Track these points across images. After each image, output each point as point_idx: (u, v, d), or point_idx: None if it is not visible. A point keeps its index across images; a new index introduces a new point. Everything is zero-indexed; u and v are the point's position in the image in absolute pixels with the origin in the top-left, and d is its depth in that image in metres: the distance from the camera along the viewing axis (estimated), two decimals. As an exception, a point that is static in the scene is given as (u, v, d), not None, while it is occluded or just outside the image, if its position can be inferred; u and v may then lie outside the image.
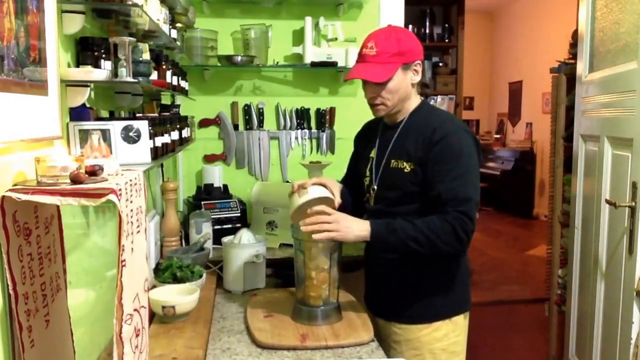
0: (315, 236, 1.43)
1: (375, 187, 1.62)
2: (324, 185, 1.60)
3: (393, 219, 1.47)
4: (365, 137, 1.75)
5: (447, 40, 5.46)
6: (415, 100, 1.60)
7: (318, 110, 2.83)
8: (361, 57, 1.54)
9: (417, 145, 1.52)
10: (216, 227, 2.28)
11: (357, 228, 1.46)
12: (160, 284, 1.67)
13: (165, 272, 1.72)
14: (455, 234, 1.42)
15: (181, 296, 1.56)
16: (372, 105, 1.58)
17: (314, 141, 2.85)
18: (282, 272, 2.02)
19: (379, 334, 1.65)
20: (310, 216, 1.47)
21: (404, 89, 1.54)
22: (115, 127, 1.28)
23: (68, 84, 1.21)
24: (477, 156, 1.51)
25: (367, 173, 1.66)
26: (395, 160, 1.56)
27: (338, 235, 1.44)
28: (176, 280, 1.68)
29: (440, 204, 1.45)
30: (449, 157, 1.47)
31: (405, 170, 1.53)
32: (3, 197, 0.84)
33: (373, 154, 1.65)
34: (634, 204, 1.77)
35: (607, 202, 1.96)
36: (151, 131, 1.34)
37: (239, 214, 2.41)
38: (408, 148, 1.54)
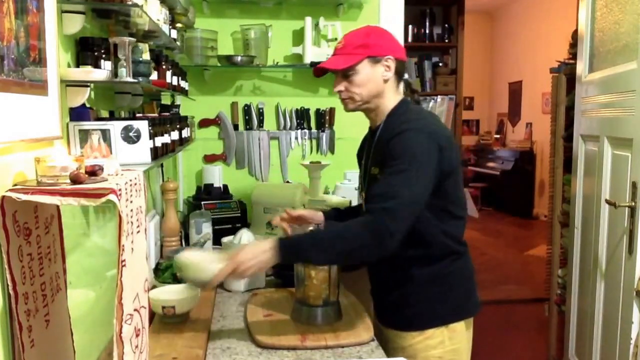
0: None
1: (364, 194, 1.60)
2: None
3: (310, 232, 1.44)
4: (362, 150, 1.72)
5: (447, 41, 5.46)
6: (392, 100, 1.53)
7: (318, 111, 2.83)
8: (333, 52, 1.53)
9: (381, 149, 1.47)
10: (216, 227, 2.28)
11: (259, 254, 1.35)
12: (160, 284, 1.67)
13: (165, 272, 1.72)
14: (373, 235, 1.33)
15: (181, 296, 1.56)
16: (342, 100, 1.54)
17: (314, 141, 2.85)
18: (282, 272, 2.02)
19: (383, 339, 1.62)
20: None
21: (374, 84, 1.49)
22: (115, 127, 1.28)
23: (68, 84, 1.21)
24: (432, 157, 1.40)
25: (360, 182, 1.66)
26: (373, 167, 1.53)
27: (243, 272, 1.36)
28: (176, 280, 1.68)
29: (369, 199, 1.41)
30: (394, 155, 1.40)
31: (377, 176, 1.48)
32: (3, 197, 0.84)
33: (364, 162, 1.64)
34: (633, 204, 1.77)
35: (607, 202, 1.96)
36: (151, 131, 1.34)
37: (239, 214, 2.41)
38: (378, 152, 1.50)
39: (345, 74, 1.48)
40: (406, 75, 1.61)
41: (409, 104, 1.56)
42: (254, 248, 1.37)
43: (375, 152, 1.53)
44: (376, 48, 1.48)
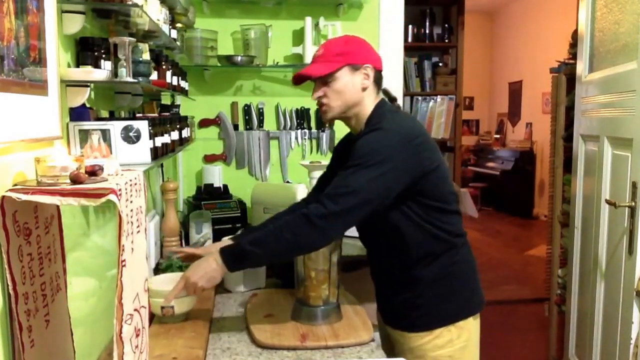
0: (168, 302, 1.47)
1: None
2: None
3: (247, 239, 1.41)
4: (342, 149, 1.71)
5: (447, 41, 5.45)
6: (371, 108, 1.52)
7: (318, 111, 2.83)
8: (312, 60, 1.53)
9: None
10: (216, 227, 2.28)
11: (205, 268, 1.39)
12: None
13: (166, 271, 1.72)
14: (306, 218, 1.33)
15: (180, 296, 1.55)
16: (319, 107, 1.53)
17: (314, 141, 2.85)
18: (282, 272, 2.02)
19: (389, 341, 1.63)
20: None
21: (351, 92, 1.48)
22: (115, 127, 1.28)
23: (68, 84, 1.21)
24: (401, 156, 1.38)
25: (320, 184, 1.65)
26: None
27: (199, 289, 1.40)
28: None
29: (324, 189, 1.39)
30: (357, 154, 1.38)
31: None
32: (3, 197, 0.84)
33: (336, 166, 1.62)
34: (633, 204, 1.77)
35: (607, 202, 1.96)
36: (151, 131, 1.34)
37: (239, 214, 2.41)
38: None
39: (325, 81, 1.47)
40: (384, 85, 1.58)
41: (385, 107, 1.53)
42: (203, 264, 1.40)
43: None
44: (355, 56, 1.48)
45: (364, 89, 1.49)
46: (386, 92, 1.60)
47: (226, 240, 1.64)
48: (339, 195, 1.33)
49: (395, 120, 1.46)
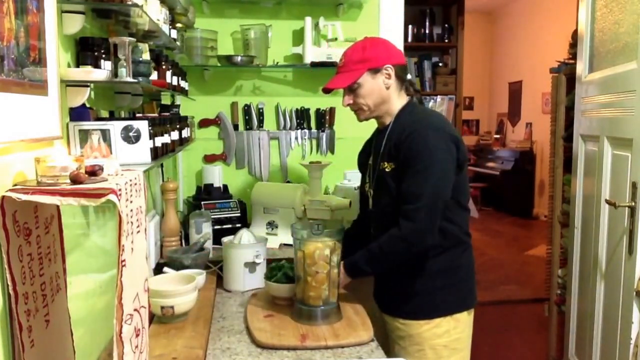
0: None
1: (372, 191, 1.69)
2: None
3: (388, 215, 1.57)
4: (365, 151, 1.82)
5: (446, 41, 5.46)
6: (399, 103, 1.66)
7: (318, 110, 2.83)
8: (336, 70, 1.67)
9: (394, 145, 1.58)
10: (216, 227, 2.28)
11: (344, 279, 1.64)
12: (273, 284, 1.69)
13: (279, 272, 1.71)
14: (402, 241, 1.53)
15: (179, 296, 1.56)
16: (354, 112, 1.69)
17: (314, 141, 2.85)
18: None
19: (386, 329, 1.69)
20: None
21: (378, 92, 1.62)
22: (115, 127, 1.28)
23: (68, 84, 1.21)
24: (448, 154, 1.54)
25: (367, 179, 1.74)
26: (382, 162, 1.62)
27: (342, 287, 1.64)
28: (288, 279, 1.67)
29: (399, 200, 1.54)
30: (412, 154, 1.52)
31: (387, 170, 1.59)
32: (3, 197, 0.84)
33: (371, 160, 1.72)
34: (633, 204, 1.77)
35: (607, 202, 1.96)
36: (151, 131, 1.34)
37: (239, 214, 2.41)
38: (389, 149, 1.61)
39: (351, 89, 1.62)
40: (409, 76, 1.72)
41: (416, 105, 1.68)
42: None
43: (386, 149, 1.62)
44: (374, 60, 1.60)
45: (387, 88, 1.62)
46: (411, 84, 1.71)
47: None
48: (414, 211, 1.50)
49: (435, 117, 1.62)
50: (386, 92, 1.63)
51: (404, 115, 1.64)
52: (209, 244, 2.13)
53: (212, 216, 2.29)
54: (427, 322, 1.60)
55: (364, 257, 1.59)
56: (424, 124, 1.56)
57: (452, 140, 1.54)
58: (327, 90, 1.68)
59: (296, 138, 2.84)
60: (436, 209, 1.51)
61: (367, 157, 1.75)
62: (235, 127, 2.80)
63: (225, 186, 2.66)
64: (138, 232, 1.00)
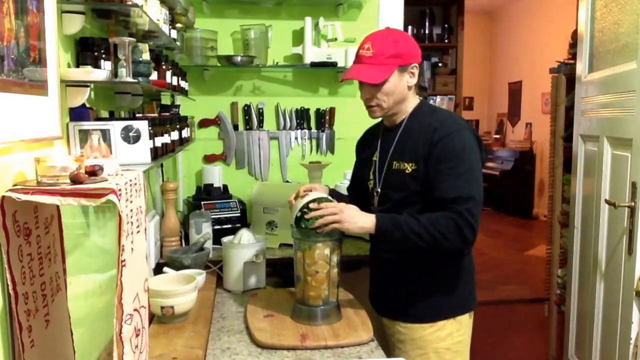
0: (319, 223, 1.46)
1: (379, 190, 1.62)
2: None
3: (399, 214, 1.49)
4: (366, 142, 1.76)
5: (446, 41, 5.46)
6: (412, 102, 1.60)
7: (318, 111, 2.83)
8: (358, 58, 1.54)
9: (418, 145, 1.52)
10: (216, 227, 2.28)
11: (361, 220, 1.48)
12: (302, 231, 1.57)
13: (307, 221, 1.61)
14: (459, 232, 1.43)
15: (179, 296, 1.56)
16: (368, 107, 1.59)
17: (314, 141, 2.85)
18: (282, 272, 2.02)
19: (384, 333, 1.66)
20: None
21: (400, 91, 1.54)
22: (115, 127, 1.28)
23: (68, 84, 1.21)
24: (479, 154, 1.52)
25: (371, 176, 1.67)
26: (397, 162, 1.57)
27: (341, 225, 1.46)
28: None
29: (444, 203, 1.45)
30: (450, 156, 1.47)
31: (407, 171, 1.53)
32: (3, 197, 0.84)
33: (375, 157, 1.66)
34: (633, 204, 1.77)
35: (607, 202, 1.96)
36: (151, 131, 1.34)
37: (239, 214, 2.41)
38: (409, 149, 1.54)
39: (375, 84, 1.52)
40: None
41: (431, 105, 1.66)
42: (359, 211, 1.50)
43: (400, 149, 1.57)
44: (406, 57, 1.53)
45: (409, 87, 1.57)
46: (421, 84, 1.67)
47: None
48: (474, 211, 1.44)
49: (455, 117, 1.60)
50: (407, 92, 1.56)
51: (421, 115, 1.58)
52: (208, 244, 2.13)
53: (212, 216, 2.29)
54: (431, 326, 1.57)
55: (412, 226, 1.45)
56: (457, 125, 1.51)
57: (478, 141, 1.54)
58: (347, 80, 1.63)
59: (296, 138, 2.84)
60: (480, 211, 1.47)
61: (371, 152, 1.68)
62: (235, 127, 2.80)
63: (225, 186, 2.66)
64: (138, 232, 1.00)
